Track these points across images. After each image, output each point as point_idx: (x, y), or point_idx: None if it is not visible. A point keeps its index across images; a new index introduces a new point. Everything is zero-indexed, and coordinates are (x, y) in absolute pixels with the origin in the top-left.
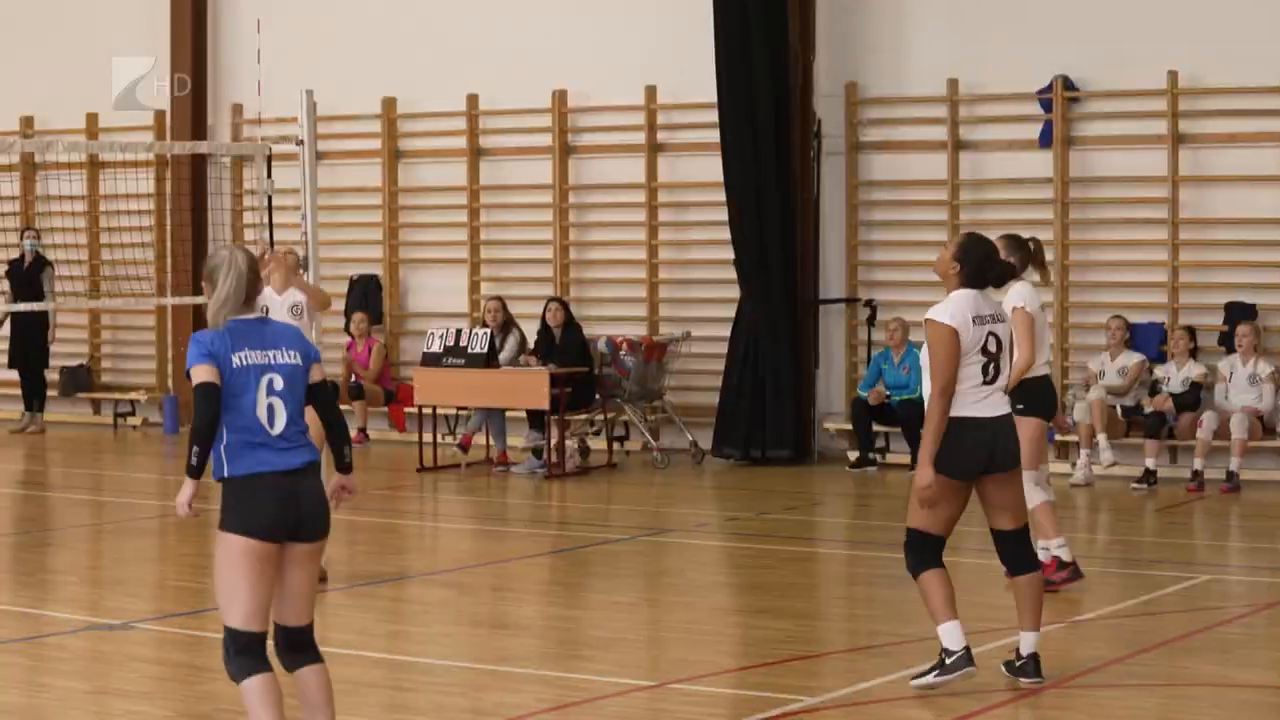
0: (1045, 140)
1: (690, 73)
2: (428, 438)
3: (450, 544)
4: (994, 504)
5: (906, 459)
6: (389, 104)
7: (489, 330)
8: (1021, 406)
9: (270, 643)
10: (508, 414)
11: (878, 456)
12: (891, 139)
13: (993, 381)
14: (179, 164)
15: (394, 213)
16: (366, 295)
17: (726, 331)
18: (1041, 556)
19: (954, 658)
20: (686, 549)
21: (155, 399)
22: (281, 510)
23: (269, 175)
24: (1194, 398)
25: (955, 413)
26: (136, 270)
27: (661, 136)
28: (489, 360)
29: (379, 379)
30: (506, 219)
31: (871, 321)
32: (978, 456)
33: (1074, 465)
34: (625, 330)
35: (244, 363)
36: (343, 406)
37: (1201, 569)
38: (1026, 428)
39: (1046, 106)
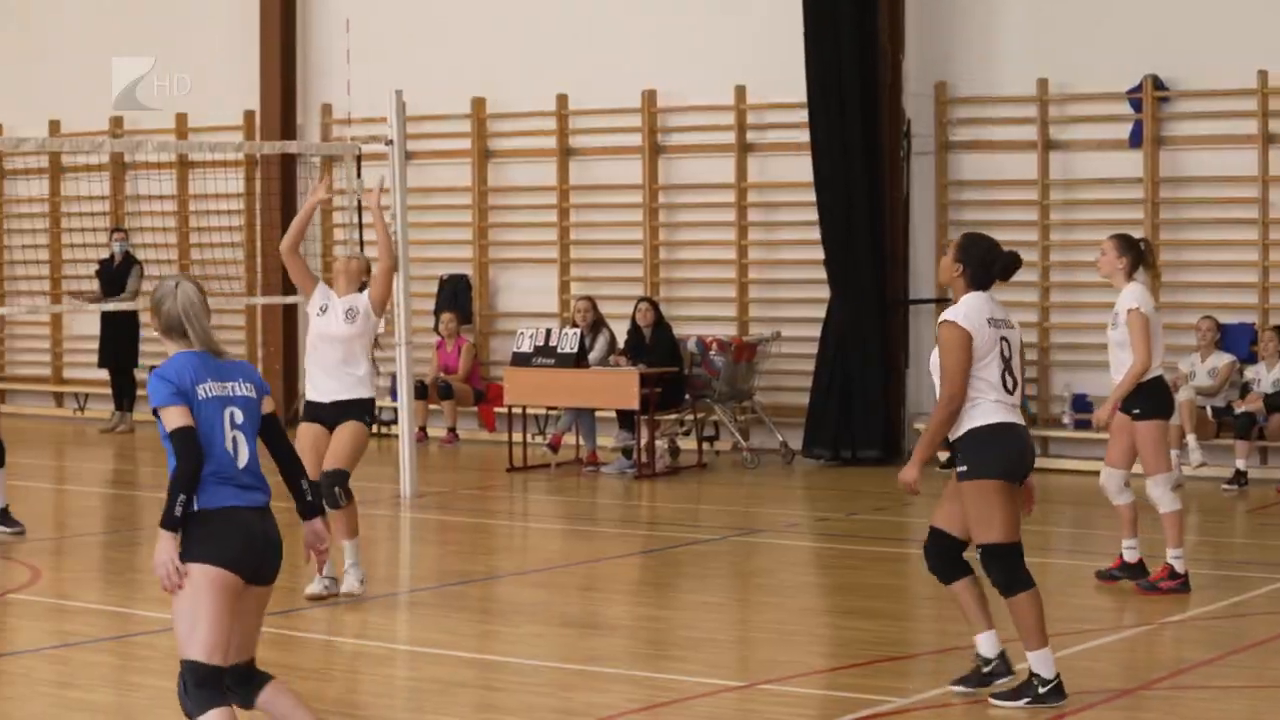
0: (1135, 140)
1: (780, 72)
2: (517, 438)
3: (540, 544)
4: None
5: None
6: (479, 104)
7: (579, 330)
8: (1138, 410)
9: None
10: (597, 414)
11: None
12: (981, 139)
13: (1013, 391)
14: (268, 164)
15: (484, 212)
16: (456, 295)
17: (816, 332)
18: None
19: (1049, 687)
20: (776, 549)
21: None
22: (249, 548)
23: (358, 175)
24: None
25: (988, 420)
26: (225, 270)
27: (751, 136)
28: (579, 360)
29: (468, 379)
30: (596, 219)
31: None
32: (1026, 458)
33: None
34: (715, 330)
35: (208, 394)
36: (432, 406)
37: None
38: (1148, 431)
39: (1136, 106)
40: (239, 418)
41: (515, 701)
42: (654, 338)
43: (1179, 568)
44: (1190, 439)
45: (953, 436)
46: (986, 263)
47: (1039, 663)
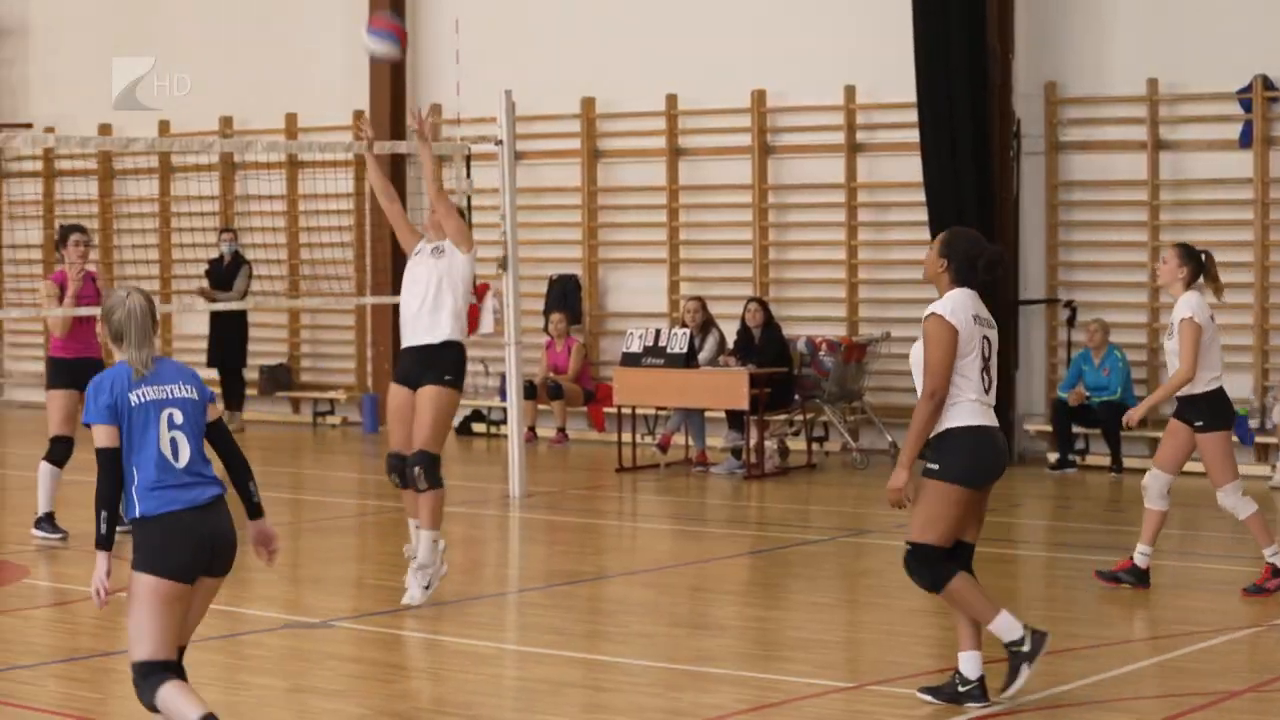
0: (1245, 140)
1: (889, 72)
2: (627, 438)
3: (649, 544)
4: (974, 515)
5: (1107, 460)
6: (588, 104)
7: (688, 330)
8: (1201, 423)
9: None
10: (707, 414)
11: (1077, 458)
12: (1091, 139)
13: (989, 391)
14: (378, 164)
15: (593, 213)
16: (566, 295)
17: None
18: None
19: (1026, 648)
20: (884, 550)
21: (354, 398)
22: (196, 550)
23: (468, 175)
24: None
25: (967, 422)
26: (335, 270)
27: (860, 136)
28: (688, 360)
29: (578, 379)
30: (706, 219)
31: (1071, 322)
32: (996, 465)
33: (1274, 468)
34: (824, 330)
35: (143, 399)
36: (541, 406)
37: None
38: (1214, 443)
39: (1246, 106)
40: (178, 419)
41: (623, 701)
42: (763, 338)
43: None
44: None
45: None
46: (971, 258)
47: (1004, 626)
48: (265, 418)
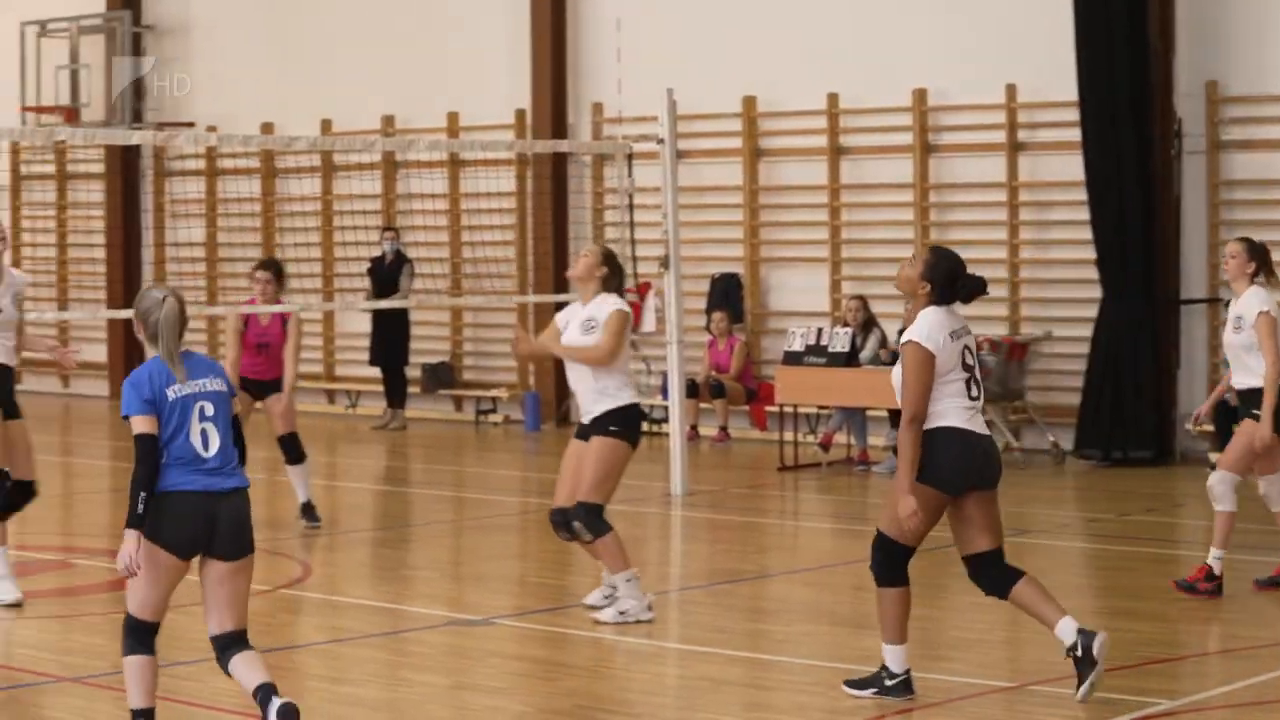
0: None
1: (1050, 71)
2: (788, 436)
3: (811, 543)
4: (977, 524)
5: None
6: (749, 102)
7: (850, 329)
8: (1258, 412)
9: None
10: (868, 413)
11: None
12: (1254, 138)
13: (977, 399)
14: (540, 163)
15: (754, 211)
16: (728, 294)
17: (1087, 331)
18: None
19: (895, 681)
20: (1047, 550)
21: (516, 396)
22: (195, 530)
23: (629, 174)
24: None
25: (944, 423)
26: (497, 268)
27: (1022, 135)
28: (850, 359)
29: (740, 377)
30: (867, 218)
31: None
32: (966, 469)
33: None
34: (986, 330)
35: (178, 394)
36: (703, 405)
37: None
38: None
39: None
40: (209, 410)
41: (785, 700)
42: None
43: None
44: None
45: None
46: (952, 280)
47: (892, 657)
48: (427, 416)
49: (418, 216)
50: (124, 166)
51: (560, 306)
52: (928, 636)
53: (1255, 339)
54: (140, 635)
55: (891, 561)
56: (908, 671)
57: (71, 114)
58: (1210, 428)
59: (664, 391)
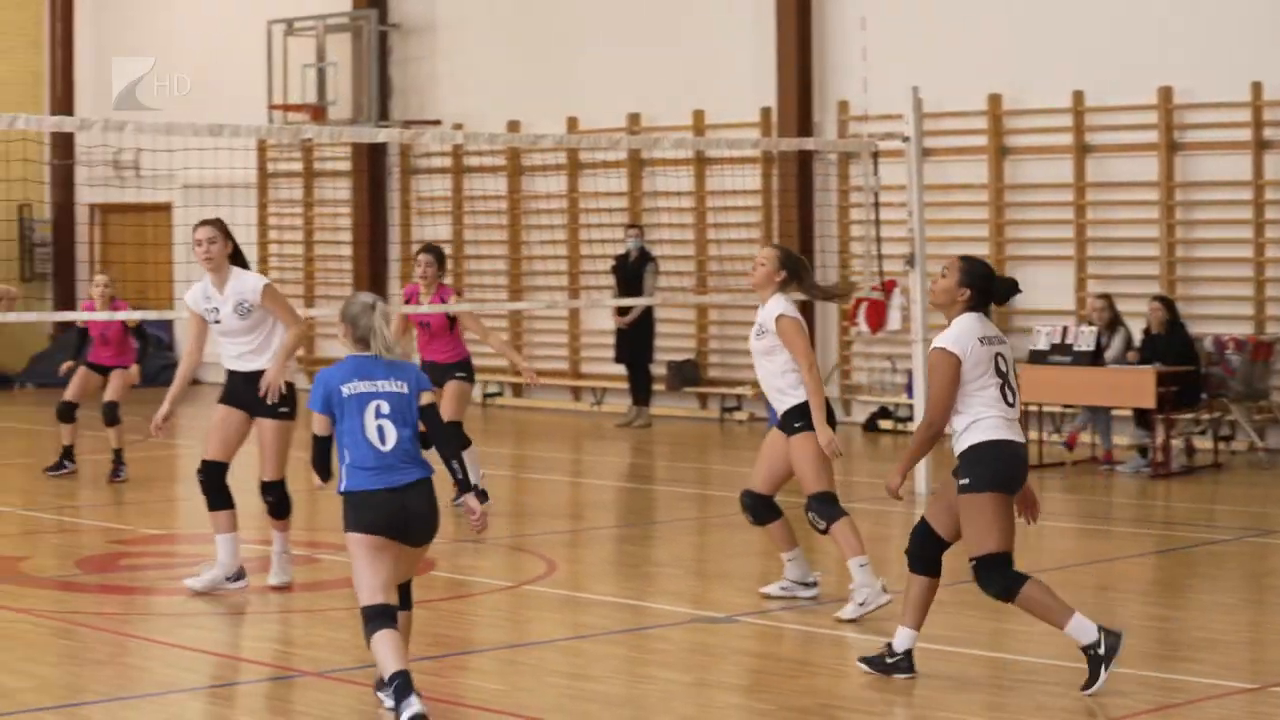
0: None
1: None
2: (1033, 435)
3: (1054, 542)
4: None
5: None
6: (994, 100)
7: (1095, 328)
8: None
9: None
10: (1113, 412)
11: None
12: None
13: (1013, 405)
14: (785, 161)
15: (999, 209)
16: None
17: None
18: None
19: (896, 659)
20: None
21: (761, 393)
22: (388, 519)
23: (875, 172)
24: None
25: (989, 436)
26: (742, 266)
27: (1268, 133)
28: (1095, 358)
29: None
30: (1113, 216)
31: None
32: (1016, 472)
33: None
34: (1231, 329)
35: (353, 391)
36: None
37: None
38: None
39: None
40: (385, 409)
41: (1027, 700)
42: (1169, 336)
43: None
44: None
45: (956, 450)
46: (987, 283)
47: (902, 638)
48: (672, 413)
49: (663, 214)
50: (370, 164)
51: (805, 305)
52: (1169, 637)
53: None
54: (377, 617)
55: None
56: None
57: (318, 112)
58: None
59: (909, 389)
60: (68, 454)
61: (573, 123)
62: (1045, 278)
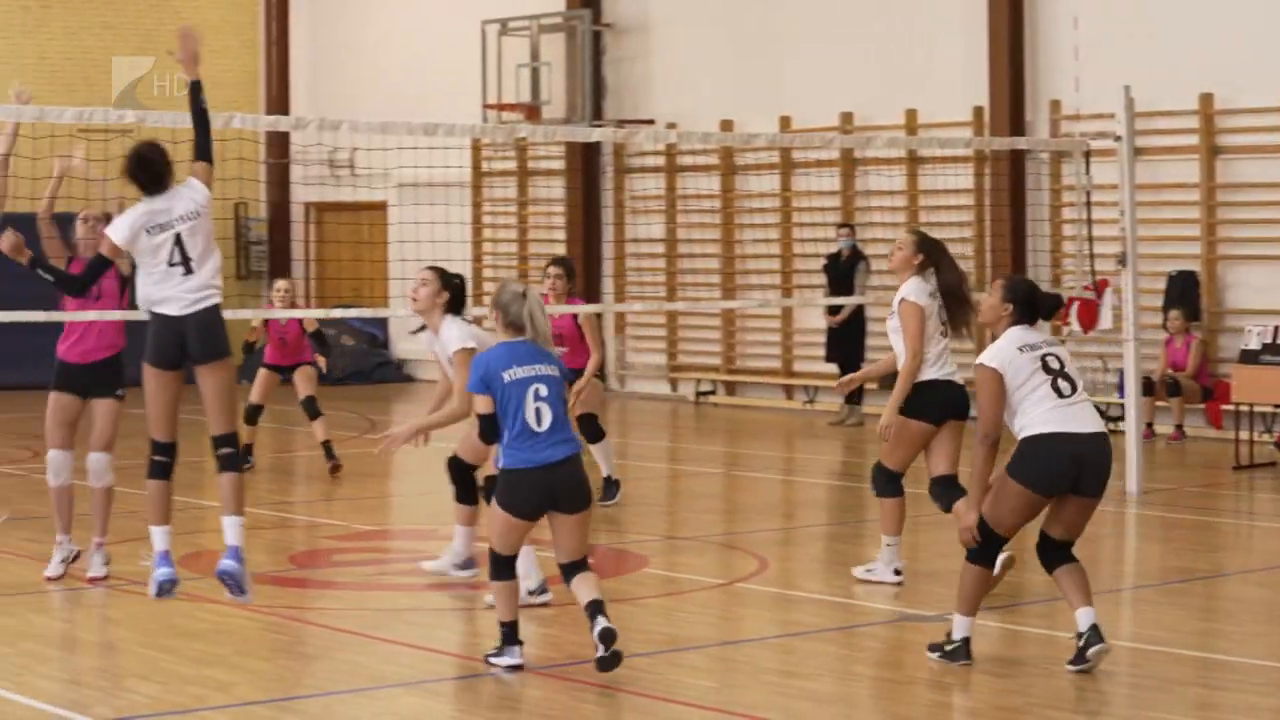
0: None
1: None
2: (1244, 435)
3: (1265, 543)
4: (1062, 520)
5: None
6: (1206, 99)
7: None
8: None
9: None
10: None
11: None
12: None
13: (1069, 394)
14: (997, 160)
15: (1212, 209)
16: (1184, 291)
17: None
18: None
19: (954, 646)
20: None
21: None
22: (539, 499)
23: (1086, 171)
24: None
25: (1035, 430)
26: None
27: None
28: None
29: (1196, 375)
30: None
31: None
32: (1060, 471)
33: None
34: None
35: (514, 377)
36: (1159, 403)
37: None
38: None
39: None
40: (543, 392)
41: (1236, 701)
42: None
43: None
44: None
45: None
46: (1032, 302)
47: (959, 625)
48: (883, 411)
49: (874, 213)
50: (584, 163)
51: None
52: None
53: None
54: (504, 566)
55: (989, 549)
56: (966, 639)
57: (532, 111)
58: None
59: (1120, 389)
60: (247, 451)
61: (785, 122)
62: (1257, 277)
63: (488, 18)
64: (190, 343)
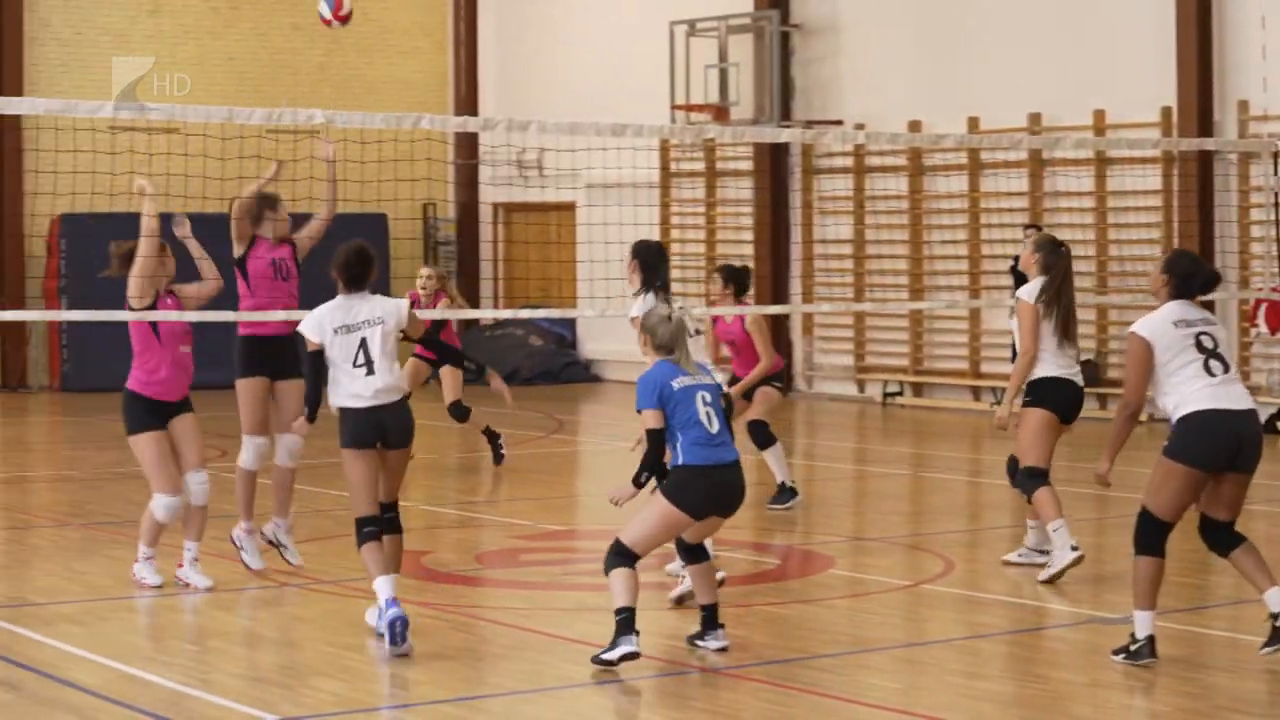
0: None
1: None
2: None
3: None
4: (1222, 499)
5: None
6: None
7: None
8: None
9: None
10: None
11: None
12: None
13: (1218, 374)
14: (1185, 161)
15: None
16: None
17: None
18: None
19: (1138, 645)
20: None
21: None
22: (712, 497)
23: (1275, 173)
24: None
25: (1191, 408)
26: (1142, 266)
27: None
28: None
29: None
30: None
31: None
32: (1216, 446)
33: None
34: None
35: (682, 385)
36: None
37: None
38: None
39: None
40: (708, 399)
41: None
42: None
43: None
44: None
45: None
46: (1188, 275)
47: (1139, 622)
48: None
49: (1062, 214)
50: (773, 163)
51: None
52: None
53: None
54: (627, 557)
55: (1154, 535)
56: (1150, 637)
57: (721, 112)
58: None
59: None
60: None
61: (973, 122)
62: None
63: (676, 19)
64: (389, 432)
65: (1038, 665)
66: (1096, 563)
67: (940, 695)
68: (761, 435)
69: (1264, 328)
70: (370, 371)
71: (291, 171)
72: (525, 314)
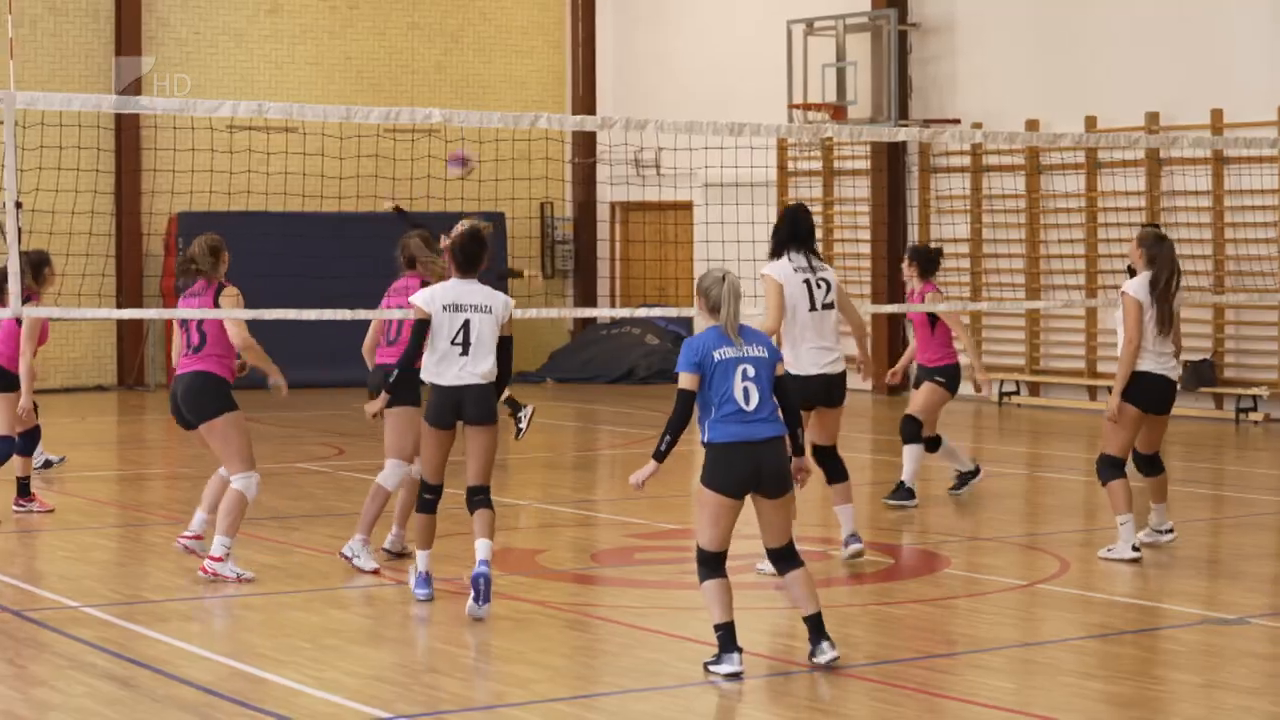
0: None
1: None
2: None
3: None
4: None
5: None
6: None
7: None
8: None
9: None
10: None
11: None
12: None
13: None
14: None
15: None
16: None
17: None
18: None
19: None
20: None
21: (1278, 394)
22: (745, 474)
23: None
24: None
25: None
26: (1260, 266)
27: None
28: None
29: None
30: None
31: None
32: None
33: None
34: None
35: (723, 357)
36: None
37: None
38: None
39: None
40: (750, 372)
41: None
42: None
43: None
44: None
45: None
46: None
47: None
48: (1187, 413)
49: (1180, 214)
50: (890, 162)
51: None
52: None
53: None
54: (712, 564)
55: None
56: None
57: (838, 111)
58: None
59: None
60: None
61: (1091, 121)
62: None
63: (793, 18)
64: (466, 409)
65: (1153, 666)
66: (1212, 563)
67: (1054, 695)
68: (910, 431)
69: None
70: (465, 353)
71: (409, 170)
72: (642, 313)
